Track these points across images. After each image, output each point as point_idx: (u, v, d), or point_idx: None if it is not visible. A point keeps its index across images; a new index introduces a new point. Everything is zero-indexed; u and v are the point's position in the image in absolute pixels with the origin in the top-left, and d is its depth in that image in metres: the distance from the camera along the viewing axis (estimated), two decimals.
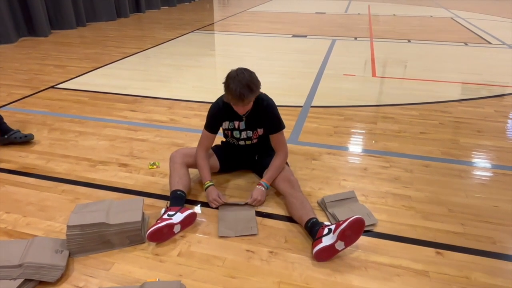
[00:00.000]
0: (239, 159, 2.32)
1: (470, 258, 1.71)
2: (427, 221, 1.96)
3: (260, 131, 2.15)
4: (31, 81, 4.17)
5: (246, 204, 2.02)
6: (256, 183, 2.16)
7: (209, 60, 5.31)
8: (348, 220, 1.62)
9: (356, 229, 1.63)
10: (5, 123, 2.73)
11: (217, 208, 2.02)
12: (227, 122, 2.14)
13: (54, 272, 1.55)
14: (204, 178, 2.11)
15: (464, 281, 1.59)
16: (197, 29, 7.44)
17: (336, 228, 1.65)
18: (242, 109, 1.98)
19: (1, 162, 2.50)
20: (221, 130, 2.22)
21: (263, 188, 2.05)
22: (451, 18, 9.24)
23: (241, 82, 1.82)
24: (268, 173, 2.08)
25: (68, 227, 1.66)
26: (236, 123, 2.13)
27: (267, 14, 9.85)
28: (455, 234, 1.86)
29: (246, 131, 2.14)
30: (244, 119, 2.11)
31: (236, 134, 2.17)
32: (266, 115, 2.08)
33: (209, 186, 2.06)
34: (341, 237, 1.62)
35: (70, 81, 4.22)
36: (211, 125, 2.15)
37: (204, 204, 2.09)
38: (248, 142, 2.19)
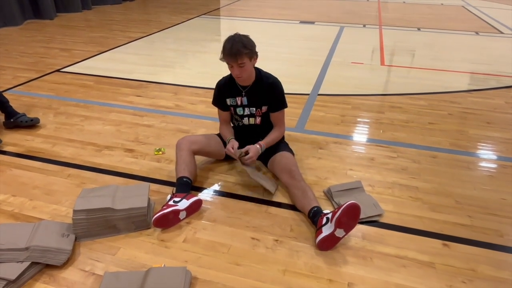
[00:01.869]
0: (244, 145, 2.30)
1: (476, 250, 1.70)
2: (434, 212, 1.94)
3: (264, 109, 2.14)
4: (36, 64, 4.15)
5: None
6: (259, 170, 2.15)
7: (214, 46, 5.24)
8: (342, 207, 1.60)
9: (351, 215, 1.61)
10: (11, 106, 2.72)
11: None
12: (230, 99, 2.16)
13: (60, 255, 1.56)
14: (226, 138, 2.18)
15: (470, 273, 1.58)
16: (203, 14, 7.34)
17: (332, 217, 1.64)
18: (237, 70, 1.96)
19: (8, 146, 2.50)
20: None
21: (258, 147, 2.07)
22: (463, 6, 9.04)
23: (235, 39, 1.92)
24: (266, 140, 2.13)
25: (75, 211, 1.66)
26: (239, 99, 2.13)
27: None
28: (462, 226, 1.85)
29: (249, 107, 2.13)
30: (244, 94, 2.11)
31: (239, 111, 2.16)
32: (271, 91, 2.10)
33: (230, 139, 2.13)
34: (338, 224, 1.61)
35: (76, 65, 4.19)
36: (217, 100, 2.21)
37: (210, 191, 2.09)
38: (252, 121, 2.18)
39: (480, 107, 3.25)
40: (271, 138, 2.16)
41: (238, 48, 1.88)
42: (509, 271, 1.60)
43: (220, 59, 1.98)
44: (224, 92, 2.16)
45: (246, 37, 1.96)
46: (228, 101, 2.17)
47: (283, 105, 2.14)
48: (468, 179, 2.23)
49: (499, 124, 2.95)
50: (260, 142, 2.10)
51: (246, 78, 2.04)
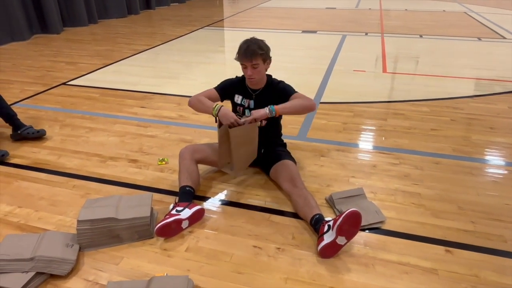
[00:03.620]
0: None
1: (479, 256, 1.69)
2: (437, 218, 1.93)
3: None
4: (43, 78, 4.23)
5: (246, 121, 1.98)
6: (261, 178, 2.17)
7: (218, 57, 5.31)
8: (343, 215, 1.60)
9: (352, 223, 1.61)
10: (18, 119, 2.78)
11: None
12: (240, 97, 2.19)
13: (64, 265, 1.58)
14: (210, 105, 2.03)
15: (473, 279, 1.57)
16: (207, 26, 7.44)
17: (333, 224, 1.64)
18: (251, 71, 2.00)
19: (14, 158, 2.55)
20: None
21: (267, 111, 1.97)
22: (465, 12, 9.06)
23: (251, 41, 2.00)
24: (283, 104, 2.01)
25: (79, 221, 1.68)
26: (246, 102, 2.17)
27: (277, 10, 9.80)
28: (465, 232, 1.84)
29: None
30: (254, 97, 2.14)
31: (247, 113, 2.19)
32: (278, 89, 2.13)
33: (220, 107, 2.00)
34: (339, 232, 1.61)
35: (81, 77, 4.27)
36: (222, 87, 2.21)
37: (213, 200, 2.10)
38: (258, 124, 2.19)
39: (483, 112, 3.25)
40: (291, 102, 2.02)
41: (254, 49, 1.96)
42: None
43: (235, 59, 2.04)
44: (234, 87, 2.20)
45: (262, 41, 2.04)
46: (238, 99, 2.20)
47: (294, 90, 2.11)
48: (471, 185, 2.22)
49: (502, 129, 2.94)
50: (270, 106, 1.99)
51: (258, 81, 2.09)
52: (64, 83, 4.07)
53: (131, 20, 8.13)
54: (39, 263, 1.55)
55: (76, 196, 2.14)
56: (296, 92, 2.12)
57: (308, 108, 2.06)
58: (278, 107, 1.99)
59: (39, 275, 1.55)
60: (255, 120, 1.99)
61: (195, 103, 2.13)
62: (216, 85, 2.24)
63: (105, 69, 4.60)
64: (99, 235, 1.72)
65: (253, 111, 2.01)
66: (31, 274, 1.52)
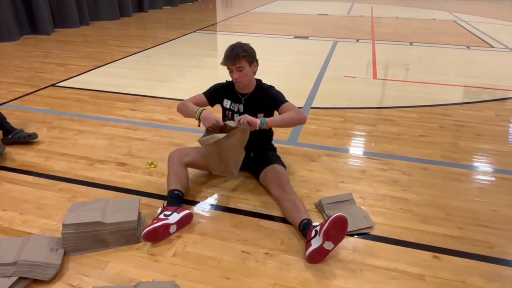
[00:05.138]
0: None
1: (467, 262, 1.70)
2: (425, 224, 1.95)
3: (260, 116, 2.09)
4: (32, 79, 4.18)
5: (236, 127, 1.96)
6: (250, 182, 2.16)
7: (210, 60, 5.30)
8: (329, 220, 1.60)
9: (338, 227, 1.60)
10: (8, 123, 2.72)
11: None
12: (228, 102, 2.18)
13: (48, 270, 1.55)
14: (193, 109, 2.05)
15: (460, 285, 1.58)
16: (199, 29, 7.44)
17: (320, 229, 1.64)
18: (236, 74, 2.01)
19: (0, 160, 2.50)
20: None
21: (258, 121, 1.94)
22: (454, 21, 9.22)
23: (236, 45, 2.01)
24: (273, 117, 2.06)
25: (64, 225, 1.65)
26: (236, 106, 2.16)
27: (270, 15, 9.85)
28: (452, 238, 1.85)
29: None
30: (243, 101, 2.14)
31: (235, 118, 2.16)
32: (268, 95, 2.13)
33: (202, 110, 2.03)
34: (326, 237, 1.61)
35: (71, 79, 4.22)
36: (210, 92, 2.22)
37: (202, 205, 2.09)
38: (249, 129, 2.18)
39: (471, 119, 3.29)
40: (282, 115, 2.03)
41: (237, 52, 1.97)
42: (499, 282, 1.60)
43: (221, 63, 2.05)
44: (223, 92, 2.20)
45: (246, 44, 2.05)
46: (227, 103, 2.19)
47: (284, 99, 2.11)
48: (458, 191, 2.24)
49: (489, 136, 2.98)
50: (262, 117, 2.01)
51: (245, 85, 2.08)
52: (53, 85, 4.02)
53: (123, 22, 8.09)
54: (22, 267, 1.51)
55: (63, 199, 2.10)
56: (287, 101, 2.11)
57: (299, 122, 2.07)
58: (269, 120, 1.98)
59: (22, 280, 1.51)
60: (249, 123, 1.93)
61: (181, 108, 2.16)
62: (205, 90, 2.24)
63: (96, 71, 4.56)
64: (85, 239, 1.69)
65: (246, 116, 1.95)
66: (14, 279, 1.49)
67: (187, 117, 2.17)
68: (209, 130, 2.02)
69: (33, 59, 5.00)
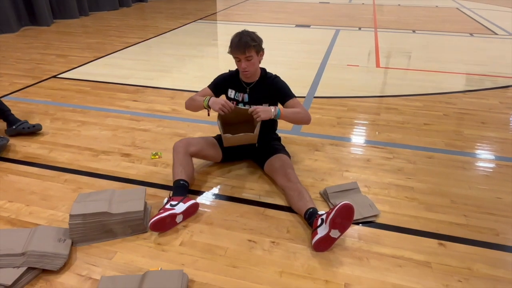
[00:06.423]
0: (241, 146, 2.31)
1: (472, 249, 1.71)
2: (430, 212, 1.95)
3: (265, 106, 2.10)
4: (33, 71, 4.16)
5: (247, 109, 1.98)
6: (255, 172, 2.16)
7: (211, 50, 5.27)
8: (335, 208, 1.60)
9: (345, 215, 1.61)
10: (12, 114, 2.72)
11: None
12: (233, 91, 2.18)
13: (57, 260, 1.56)
14: (201, 100, 2.06)
15: (466, 272, 1.59)
16: (200, 19, 7.37)
17: (326, 218, 1.64)
18: (245, 64, 2.00)
19: (4, 152, 2.50)
20: None
21: (272, 109, 1.96)
22: (457, 8, 9.11)
23: (243, 33, 1.99)
24: (287, 109, 2.05)
25: (71, 216, 1.66)
26: (240, 95, 2.16)
27: (271, 3, 9.74)
28: (457, 225, 1.86)
29: (250, 105, 2.13)
30: (248, 90, 2.13)
31: (241, 106, 2.17)
32: (273, 86, 2.13)
33: (209, 98, 2.04)
34: (333, 225, 1.61)
35: (72, 70, 4.20)
36: (215, 84, 2.21)
37: (207, 194, 2.09)
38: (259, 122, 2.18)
39: (475, 107, 3.27)
40: (293, 109, 2.05)
41: (246, 41, 1.95)
42: (504, 269, 1.61)
43: (228, 52, 2.03)
44: (228, 82, 2.19)
45: (253, 33, 2.03)
46: (231, 93, 2.19)
47: (292, 93, 2.13)
48: (463, 179, 2.24)
49: (493, 124, 2.97)
50: (277, 106, 2.01)
51: (252, 74, 2.08)
52: (54, 76, 4.00)
53: (123, 12, 8.02)
54: (31, 258, 1.53)
55: (68, 190, 2.11)
56: (295, 97, 2.12)
57: (306, 122, 2.12)
58: (284, 113, 2.00)
59: (31, 270, 1.53)
60: (257, 112, 1.93)
61: (190, 104, 2.18)
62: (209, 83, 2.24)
63: (96, 62, 4.53)
64: (92, 229, 1.70)
65: (259, 108, 1.93)
66: (23, 269, 1.50)
67: (196, 111, 2.20)
68: (221, 115, 2.01)
69: (34, 51, 4.97)
